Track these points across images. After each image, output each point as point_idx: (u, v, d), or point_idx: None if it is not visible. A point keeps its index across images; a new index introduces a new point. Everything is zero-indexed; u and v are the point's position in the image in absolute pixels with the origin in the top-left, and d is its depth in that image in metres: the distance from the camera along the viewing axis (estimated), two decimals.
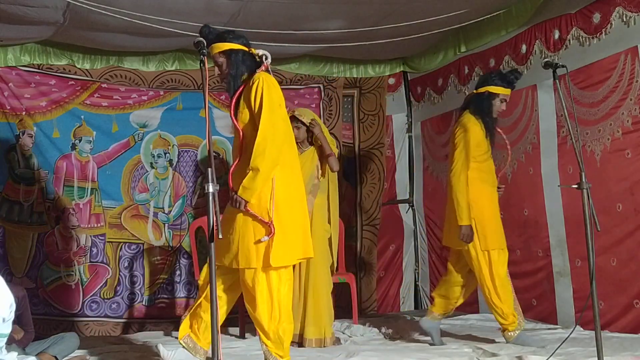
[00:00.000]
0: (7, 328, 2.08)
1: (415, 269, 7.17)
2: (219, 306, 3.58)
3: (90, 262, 6.03)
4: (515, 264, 5.84)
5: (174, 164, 6.33)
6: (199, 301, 3.62)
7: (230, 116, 3.55)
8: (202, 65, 2.93)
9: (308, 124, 5.00)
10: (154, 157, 6.29)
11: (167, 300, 6.15)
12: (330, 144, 5.03)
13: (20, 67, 5.95)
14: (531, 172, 5.62)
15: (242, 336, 5.45)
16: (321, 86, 6.87)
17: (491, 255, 4.42)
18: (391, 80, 7.28)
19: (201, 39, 3.10)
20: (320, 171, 5.02)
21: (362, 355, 4.27)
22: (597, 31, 4.94)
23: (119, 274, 6.09)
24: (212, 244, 2.66)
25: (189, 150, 6.38)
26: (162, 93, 6.36)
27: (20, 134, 5.94)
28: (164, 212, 6.24)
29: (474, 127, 4.50)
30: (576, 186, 3.35)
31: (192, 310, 3.67)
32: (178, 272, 6.22)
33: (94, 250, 6.04)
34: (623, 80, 4.75)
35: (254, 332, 5.31)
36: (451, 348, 4.45)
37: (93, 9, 4.81)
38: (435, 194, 6.95)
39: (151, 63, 6.31)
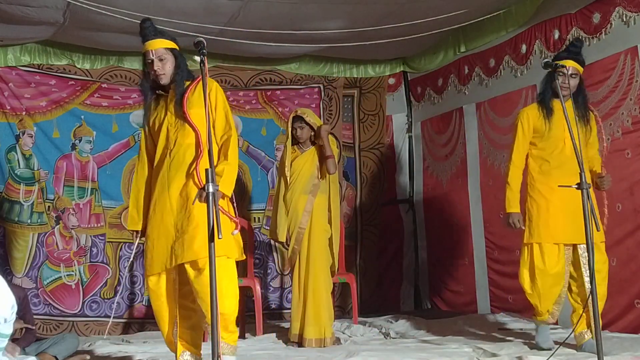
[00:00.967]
0: (9, 329, 2.08)
1: (415, 269, 7.17)
2: (188, 317, 3.51)
3: (90, 262, 6.03)
4: (515, 263, 5.84)
5: None
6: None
7: (185, 114, 3.42)
8: (202, 65, 2.93)
9: (319, 125, 5.01)
10: None
11: None
12: (331, 144, 5.03)
13: (20, 67, 5.96)
14: None
15: (242, 336, 5.45)
16: (321, 86, 6.87)
17: (533, 248, 4.21)
18: (391, 80, 7.29)
19: (201, 39, 3.10)
20: (319, 171, 5.02)
21: (362, 355, 4.27)
22: (597, 31, 4.95)
23: (119, 274, 6.09)
24: (212, 244, 2.66)
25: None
26: None
27: (20, 134, 5.94)
28: None
29: (524, 113, 4.29)
30: (576, 186, 3.35)
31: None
32: None
33: (94, 250, 6.04)
34: (623, 80, 4.75)
35: (254, 332, 5.33)
36: (451, 348, 4.45)
37: (93, 9, 4.82)
38: (435, 194, 6.95)
39: None
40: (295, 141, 5.05)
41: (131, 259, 3.45)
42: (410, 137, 7.31)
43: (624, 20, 4.74)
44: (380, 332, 5.33)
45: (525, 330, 5.10)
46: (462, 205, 6.47)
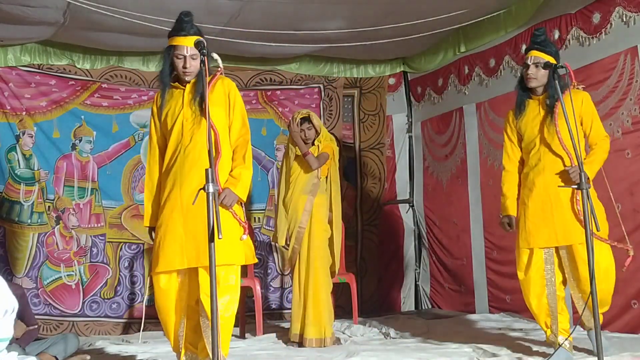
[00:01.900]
0: (8, 332, 2.07)
1: (416, 269, 7.17)
2: (191, 317, 3.50)
3: (91, 262, 6.03)
4: (514, 263, 5.84)
5: None
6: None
7: (207, 113, 3.43)
8: (202, 65, 2.93)
9: (317, 126, 5.02)
10: None
11: None
12: (325, 139, 5.03)
13: (21, 67, 5.96)
14: None
15: (242, 336, 5.46)
16: (321, 86, 6.87)
17: (518, 254, 4.12)
18: (391, 80, 7.29)
19: (201, 39, 3.10)
20: (319, 171, 5.02)
21: (362, 355, 4.27)
22: (596, 31, 4.95)
23: (119, 274, 6.09)
24: (212, 244, 2.66)
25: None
26: None
27: (21, 134, 5.94)
28: None
29: (508, 114, 4.16)
30: (576, 186, 3.35)
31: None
32: None
33: (94, 250, 6.05)
34: (623, 80, 4.75)
35: (253, 333, 5.33)
36: (451, 348, 4.45)
37: (93, 9, 4.82)
38: (435, 194, 6.95)
39: (151, 63, 6.31)
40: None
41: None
42: (410, 137, 7.31)
43: (624, 20, 4.74)
44: (380, 332, 5.33)
45: (525, 330, 5.10)
46: (461, 205, 6.47)
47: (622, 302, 4.71)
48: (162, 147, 3.53)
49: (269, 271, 6.57)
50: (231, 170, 3.45)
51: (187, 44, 3.38)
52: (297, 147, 5.02)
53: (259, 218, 6.57)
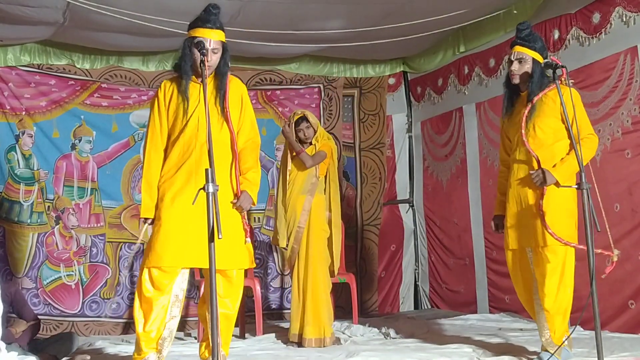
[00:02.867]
0: None
1: (415, 269, 7.18)
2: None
3: (90, 262, 6.03)
4: None
5: None
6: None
7: (226, 114, 3.40)
8: (202, 65, 2.93)
9: (315, 126, 5.02)
10: None
11: None
12: (322, 138, 5.04)
13: (20, 67, 5.96)
14: None
15: (242, 336, 5.46)
16: (321, 86, 6.87)
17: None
18: (391, 80, 7.29)
19: (201, 39, 3.09)
20: (318, 170, 5.02)
21: (362, 355, 4.27)
22: (596, 31, 4.95)
23: (119, 274, 6.09)
24: (212, 244, 2.66)
25: None
26: None
27: (20, 134, 5.94)
28: None
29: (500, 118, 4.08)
30: (576, 186, 3.35)
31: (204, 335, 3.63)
32: None
33: (94, 250, 6.04)
34: (622, 80, 4.75)
35: (253, 332, 5.33)
36: (451, 348, 4.45)
37: (93, 9, 4.82)
38: (435, 194, 6.95)
39: (151, 63, 6.31)
40: (300, 142, 5.06)
41: (138, 245, 3.44)
42: (410, 137, 7.31)
43: (624, 20, 4.74)
44: (380, 332, 5.33)
45: (525, 330, 5.10)
46: (461, 205, 6.47)
47: (619, 303, 4.72)
48: (164, 138, 3.46)
49: (269, 271, 6.57)
50: (245, 173, 3.43)
51: (211, 37, 3.35)
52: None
53: (259, 218, 6.57)
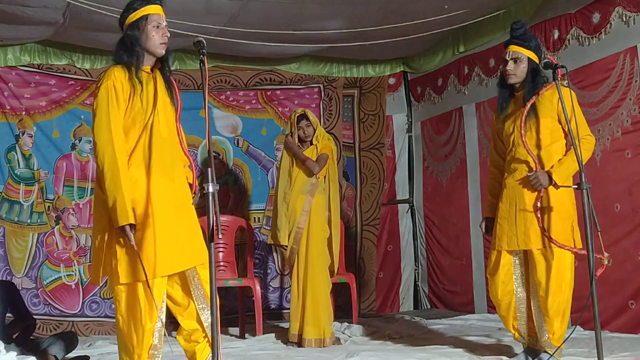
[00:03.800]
0: None
1: (415, 269, 7.17)
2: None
3: (90, 262, 6.02)
4: None
5: None
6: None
7: (178, 100, 3.20)
8: (202, 65, 2.92)
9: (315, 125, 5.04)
10: None
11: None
12: (322, 139, 5.05)
13: (20, 67, 5.96)
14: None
15: (242, 336, 5.46)
16: (321, 86, 6.87)
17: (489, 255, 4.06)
18: (391, 80, 7.29)
19: (201, 39, 3.07)
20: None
21: (362, 355, 4.28)
22: (596, 31, 4.95)
23: None
24: (212, 244, 2.66)
25: (188, 150, 6.36)
26: None
27: (20, 134, 5.94)
28: None
29: (493, 111, 4.04)
30: (576, 186, 3.35)
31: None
32: None
33: None
34: (622, 80, 4.75)
35: (253, 332, 5.33)
36: (451, 348, 4.46)
37: (93, 9, 4.81)
38: (435, 194, 6.95)
39: None
40: (300, 140, 5.06)
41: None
42: (410, 137, 7.31)
43: (624, 20, 4.74)
44: (380, 332, 5.33)
45: None
46: (461, 205, 6.47)
47: (619, 303, 4.72)
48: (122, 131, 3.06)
49: (269, 271, 6.57)
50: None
51: (162, 13, 3.22)
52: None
53: (258, 218, 6.57)
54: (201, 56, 2.94)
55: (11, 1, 4.81)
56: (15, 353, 3.84)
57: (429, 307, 6.97)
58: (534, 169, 3.68)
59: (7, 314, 4.45)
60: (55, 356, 4.24)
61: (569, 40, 5.18)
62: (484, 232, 4.07)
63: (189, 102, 6.37)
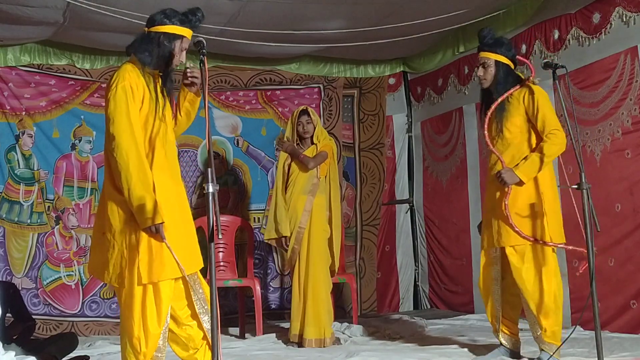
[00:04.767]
0: None
1: (415, 269, 7.17)
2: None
3: (90, 259, 6.01)
4: None
5: None
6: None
7: (180, 106, 3.24)
8: (202, 65, 2.91)
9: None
10: None
11: None
12: (323, 138, 5.06)
13: (20, 67, 5.96)
14: None
15: (242, 336, 5.46)
16: (321, 86, 6.87)
17: None
18: (391, 80, 7.29)
19: (201, 39, 3.07)
20: (319, 171, 5.02)
21: (362, 355, 4.28)
22: (596, 31, 4.95)
23: None
24: (212, 244, 2.66)
25: (188, 150, 6.38)
26: None
27: (20, 134, 5.94)
28: None
29: None
30: (576, 186, 3.35)
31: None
32: None
33: None
34: (623, 80, 4.75)
35: (253, 332, 5.33)
36: (451, 348, 4.46)
37: (93, 9, 4.81)
38: (435, 194, 6.95)
39: None
40: (299, 137, 5.07)
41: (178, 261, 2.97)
42: (410, 137, 7.31)
43: (624, 20, 4.74)
44: (380, 332, 5.33)
45: (525, 330, 5.09)
46: (461, 205, 6.47)
47: (621, 303, 4.72)
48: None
49: (269, 271, 6.56)
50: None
51: (189, 35, 3.21)
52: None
53: (258, 218, 6.57)
54: (201, 56, 2.94)
55: (11, 1, 4.81)
56: (14, 353, 3.83)
57: (429, 307, 6.97)
58: (502, 167, 3.77)
59: (7, 314, 4.45)
60: (55, 356, 4.24)
61: (569, 40, 5.18)
62: (480, 233, 4.13)
63: None
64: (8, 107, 5.91)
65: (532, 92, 3.78)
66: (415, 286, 7.16)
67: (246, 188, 6.55)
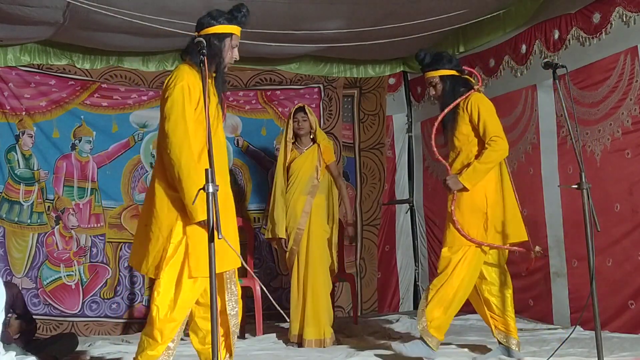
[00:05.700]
0: None
1: (415, 269, 7.17)
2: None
3: (90, 262, 6.03)
4: (514, 263, 5.83)
5: None
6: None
7: (206, 112, 3.28)
8: (202, 65, 2.92)
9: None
10: (154, 157, 6.28)
11: None
12: (322, 139, 5.07)
13: (20, 67, 5.96)
14: (531, 172, 5.62)
15: (242, 336, 5.45)
16: (321, 86, 6.87)
17: None
18: (391, 80, 7.29)
19: (201, 39, 3.07)
20: (319, 172, 5.02)
21: (362, 355, 4.27)
22: (597, 31, 4.95)
23: (119, 274, 6.09)
24: (212, 244, 2.66)
25: None
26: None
27: (20, 134, 5.94)
28: None
29: None
30: (576, 186, 3.35)
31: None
32: None
33: (94, 250, 6.04)
34: (623, 80, 4.75)
35: (254, 332, 5.33)
36: (451, 348, 4.46)
37: (93, 9, 4.81)
38: (435, 194, 6.94)
39: (151, 63, 6.31)
40: (295, 135, 5.06)
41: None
42: (410, 137, 7.30)
43: (624, 20, 4.74)
44: (380, 332, 5.33)
45: (525, 330, 5.10)
46: None
47: (619, 303, 4.72)
48: None
49: (269, 271, 6.56)
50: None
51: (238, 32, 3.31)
52: (293, 146, 5.06)
53: (258, 218, 6.57)
54: (201, 56, 2.94)
55: (11, 1, 4.81)
56: (14, 353, 3.83)
57: None
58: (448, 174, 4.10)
59: (9, 315, 4.45)
60: (55, 356, 4.25)
61: (569, 40, 5.18)
62: None
63: None
64: (8, 107, 5.91)
65: (475, 101, 4.01)
66: (416, 286, 7.16)
67: (246, 188, 6.55)
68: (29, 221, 5.90)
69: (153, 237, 3.11)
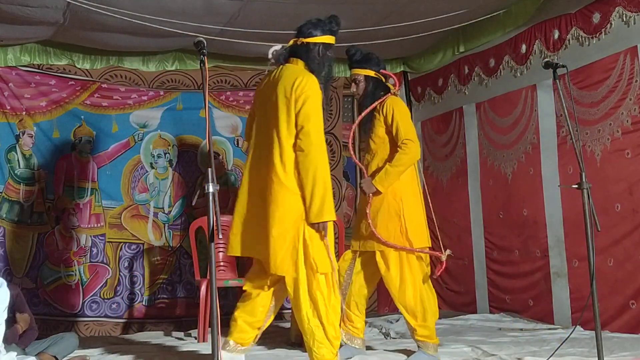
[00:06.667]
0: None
1: None
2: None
3: (90, 262, 6.03)
4: (514, 264, 5.85)
5: (174, 164, 6.33)
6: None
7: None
8: (202, 65, 2.92)
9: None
10: (154, 157, 6.29)
11: (167, 300, 6.15)
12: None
13: (20, 67, 5.96)
14: (531, 172, 5.62)
15: None
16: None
17: None
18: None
19: (201, 39, 3.07)
20: None
21: (362, 355, 4.27)
22: (596, 31, 4.95)
23: (119, 274, 6.09)
24: (212, 244, 2.66)
25: (188, 151, 6.38)
26: (162, 93, 6.37)
27: (20, 134, 5.94)
28: (164, 212, 6.24)
29: None
30: (576, 186, 3.35)
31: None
32: (178, 272, 6.22)
33: (94, 250, 6.04)
34: (622, 80, 4.76)
35: None
36: (451, 348, 4.46)
37: (93, 9, 4.81)
38: (435, 194, 6.93)
39: (151, 63, 6.31)
40: None
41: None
42: None
43: (624, 20, 4.74)
44: (380, 332, 5.33)
45: (525, 330, 5.10)
46: (462, 205, 6.47)
47: (620, 303, 4.72)
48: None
49: None
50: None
51: None
52: None
53: None
54: (201, 56, 2.94)
55: (11, 1, 4.81)
56: (15, 353, 3.83)
57: None
58: (364, 177, 4.10)
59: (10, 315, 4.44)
60: (55, 357, 4.25)
61: (569, 40, 5.19)
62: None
63: (189, 102, 6.41)
64: (8, 107, 5.91)
65: (390, 104, 4.08)
66: None
67: None
68: (29, 221, 5.90)
69: (279, 236, 3.26)
